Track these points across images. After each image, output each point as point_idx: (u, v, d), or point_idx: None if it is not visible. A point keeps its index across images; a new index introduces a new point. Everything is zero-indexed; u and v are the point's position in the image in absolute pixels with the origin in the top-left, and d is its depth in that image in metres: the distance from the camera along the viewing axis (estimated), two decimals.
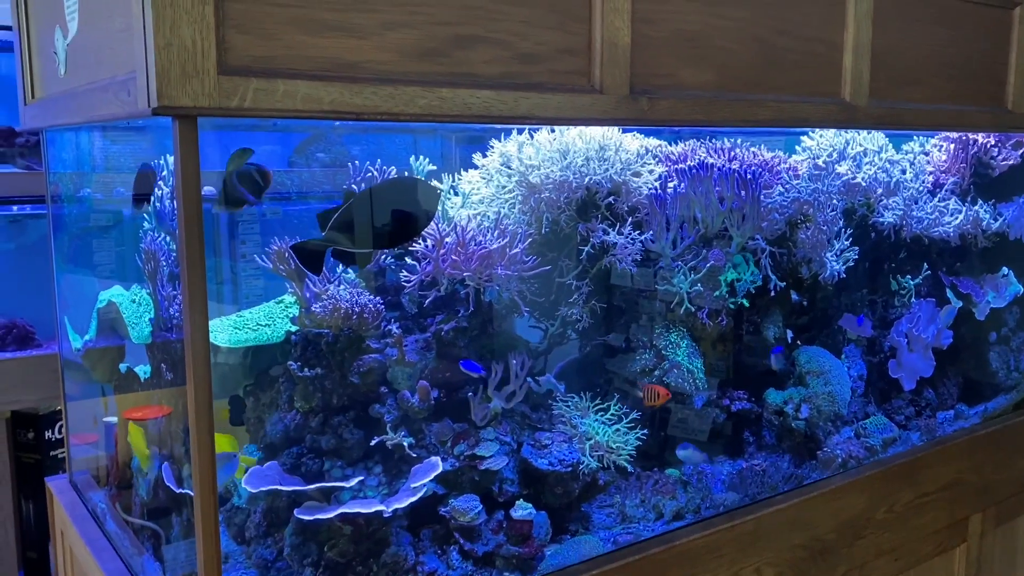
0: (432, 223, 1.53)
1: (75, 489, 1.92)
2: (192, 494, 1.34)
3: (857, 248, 2.04)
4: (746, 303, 1.82)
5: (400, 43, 1.23)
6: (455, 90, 1.28)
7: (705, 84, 1.60)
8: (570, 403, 1.67)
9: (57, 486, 1.95)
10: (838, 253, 2.00)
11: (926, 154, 2.36)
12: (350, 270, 1.59)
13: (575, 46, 1.43)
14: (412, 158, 1.70)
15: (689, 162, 1.79)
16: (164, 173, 1.42)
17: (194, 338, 1.12)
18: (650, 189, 1.71)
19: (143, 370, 1.50)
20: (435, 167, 1.75)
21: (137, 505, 1.52)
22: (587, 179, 1.62)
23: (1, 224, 2.97)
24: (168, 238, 1.41)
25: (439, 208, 1.60)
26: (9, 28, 3.07)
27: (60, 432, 2.82)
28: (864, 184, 2.06)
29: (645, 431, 1.69)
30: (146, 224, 1.45)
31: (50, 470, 2.80)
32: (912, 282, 2.19)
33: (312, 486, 1.38)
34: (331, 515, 1.35)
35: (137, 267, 1.46)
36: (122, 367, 1.60)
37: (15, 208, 2.88)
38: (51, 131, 1.84)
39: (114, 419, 1.68)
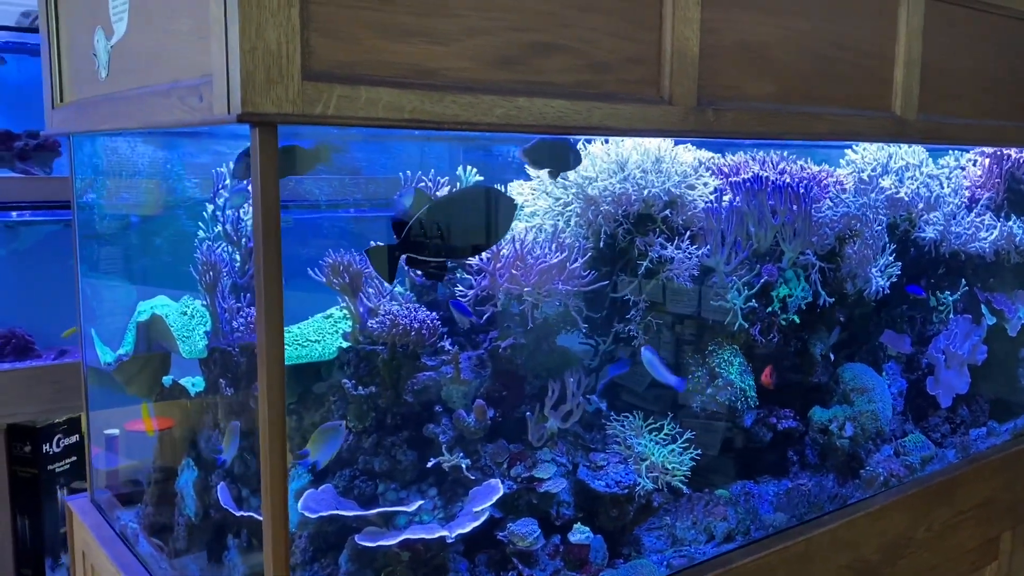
0: None
1: (98, 508, 1.84)
2: (255, 516, 1.28)
3: (900, 263, 2.01)
4: (797, 319, 1.78)
5: (479, 50, 1.18)
6: (531, 99, 1.23)
7: (766, 96, 1.57)
8: (624, 423, 1.62)
9: (78, 505, 1.87)
10: (882, 268, 1.97)
11: (962, 168, 2.34)
12: (399, 285, 1.53)
13: (644, 55, 1.39)
14: (460, 168, 1.65)
15: (743, 175, 1.75)
16: (226, 181, 1.35)
17: (269, 353, 1.05)
18: (706, 203, 1.67)
19: (192, 383, 1.43)
20: (482, 177, 1.70)
21: (181, 526, 1.44)
22: (645, 192, 1.57)
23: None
24: (231, 248, 1.34)
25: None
26: (13, 29, 2.98)
27: (58, 446, 2.73)
28: (907, 199, 2.04)
29: (699, 452, 1.64)
30: (201, 234, 1.38)
31: (47, 484, 2.71)
32: (951, 298, 2.17)
33: (373, 511, 1.32)
34: (394, 541, 1.29)
35: (187, 278, 1.39)
36: (166, 380, 1.52)
37: (14, 215, 2.80)
38: (79, 136, 1.77)
39: (148, 434, 1.61)
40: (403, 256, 1.27)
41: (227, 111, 1.00)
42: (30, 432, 2.64)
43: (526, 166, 1.54)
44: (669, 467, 1.60)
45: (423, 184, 1.52)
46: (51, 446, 2.70)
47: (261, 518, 1.26)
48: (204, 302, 1.40)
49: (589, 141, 1.64)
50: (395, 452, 1.45)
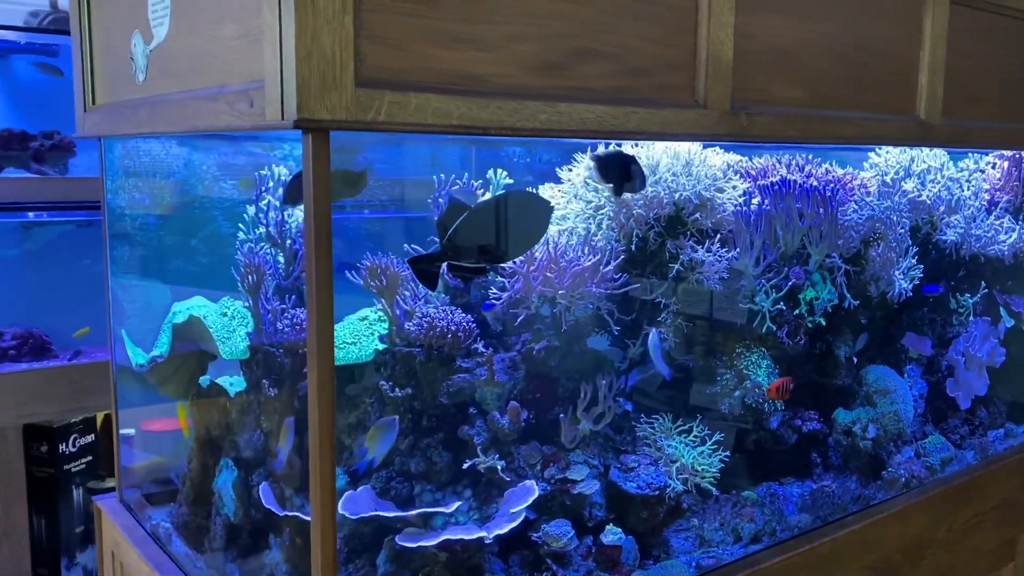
0: None
1: (127, 508, 1.85)
2: (300, 516, 1.29)
3: (922, 266, 2.02)
4: (823, 321, 1.79)
5: (523, 56, 1.19)
6: (573, 105, 1.24)
7: (796, 100, 1.58)
8: (654, 425, 1.63)
9: (107, 505, 1.88)
10: (905, 271, 1.98)
11: (981, 171, 2.35)
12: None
13: (680, 60, 1.40)
14: (490, 171, 1.66)
15: (771, 178, 1.76)
16: (270, 184, 1.36)
17: (320, 354, 1.06)
18: (735, 206, 1.68)
19: (231, 384, 1.44)
20: (512, 180, 1.71)
21: (218, 526, 1.45)
22: (676, 195, 1.59)
23: (13, 230, 2.89)
24: (275, 250, 1.35)
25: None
26: (21, 29, 2.99)
27: (74, 446, 2.74)
28: (928, 202, 2.05)
29: (727, 454, 1.66)
30: (241, 235, 1.39)
31: (63, 484, 2.72)
32: (971, 300, 2.19)
33: (413, 512, 1.33)
34: (434, 542, 1.31)
35: (225, 279, 1.40)
36: (203, 381, 1.53)
37: (31, 215, 2.80)
38: (109, 138, 1.78)
39: (184, 434, 1.62)
40: (445, 264, 1.28)
41: (281, 117, 1.01)
42: (46, 432, 2.64)
43: (589, 173, 1.55)
44: (699, 468, 1.61)
45: (456, 187, 1.53)
46: (67, 446, 2.71)
47: (305, 518, 1.27)
48: (246, 303, 1.41)
49: (620, 144, 1.65)
50: (431, 453, 1.46)
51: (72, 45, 1.72)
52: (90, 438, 2.82)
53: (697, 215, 1.62)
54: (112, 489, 2.63)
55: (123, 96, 1.55)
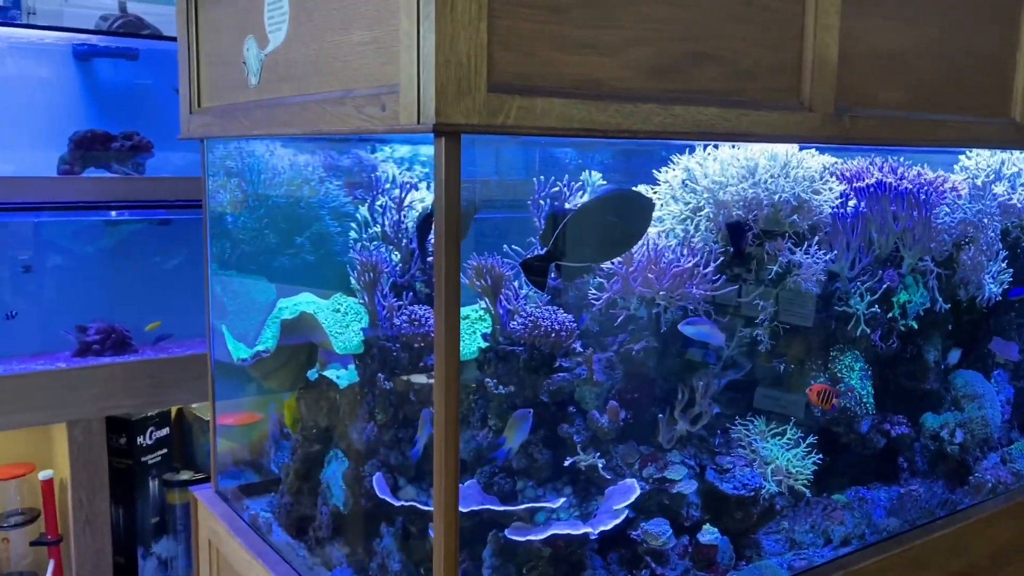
0: None
1: (224, 499, 1.90)
2: (417, 506, 1.32)
3: (1011, 270, 2.00)
4: (915, 325, 1.78)
5: (639, 60, 1.21)
6: (687, 107, 1.26)
7: (896, 103, 1.58)
8: (749, 427, 1.64)
9: (203, 495, 1.94)
10: (994, 275, 1.96)
11: None
12: (530, 287, 1.56)
13: (786, 64, 1.41)
14: (585, 172, 1.68)
15: (866, 180, 1.76)
16: (387, 186, 1.40)
17: (447, 352, 1.10)
18: (832, 208, 1.68)
19: (338, 376, 1.48)
20: (605, 182, 1.73)
21: (325, 516, 1.49)
22: (775, 196, 1.59)
23: (97, 228, 2.97)
24: (391, 249, 1.39)
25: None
26: (92, 32, 3.07)
27: (151, 438, 2.81)
28: (1019, 205, 2.03)
29: (820, 456, 1.66)
30: (353, 234, 1.43)
31: (140, 476, 2.79)
32: None
33: (521, 507, 1.36)
34: (541, 537, 1.33)
35: (335, 276, 1.44)
36: (311, 375, 1.57)
37: (113, 213, 2.88)
38: (212, 139, 1.83)
39: (289, 427, 1.66)
40: (552, 265, 1.30)
41: (417, 121, 1.04)
42: (126, 425, 2.72)
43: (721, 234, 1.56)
44: (793, 470, 1.61)
45: (556, 189, 1.55)
46: (145, 438, 2.78)
47: (421, 507, 1.30)
48: (360, 300, 1.45)
49: (716, 146, 1.67)
50: (532, 450, 1.48)
51: (179, 50, 1.77)
52: (165, 431, 2.89)
53: (795, 217, 1.62)
54: (188, 482, 2.70)
55: (233, 99, 1.60)
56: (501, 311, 1.48)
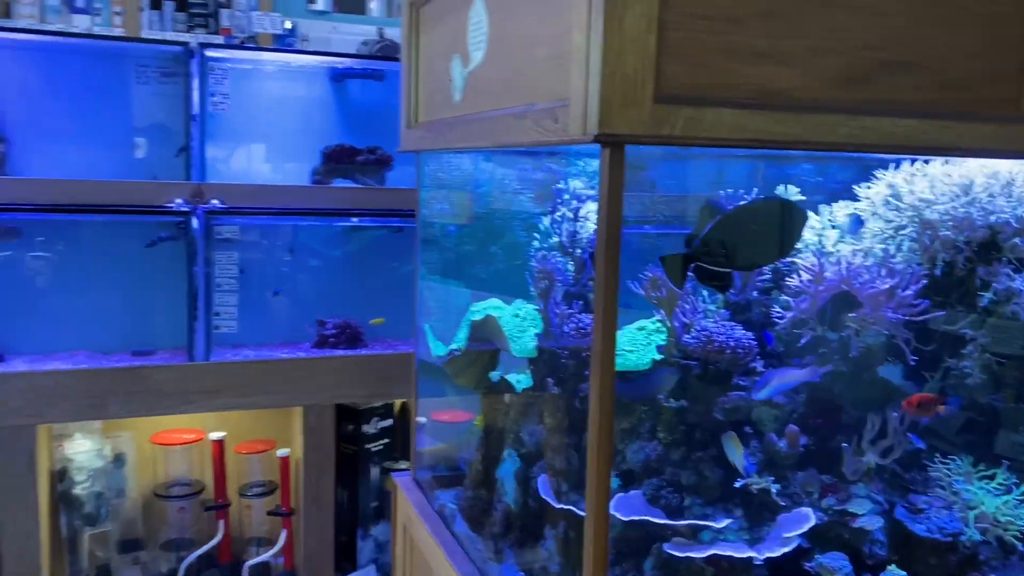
0: (813, 257, 1.45)
1: (419, 487, 2.04)
2: (574, 510, 1.36)
3: None
4: None
5: (824, 69, 1.17)
6: (878, 119, 1.20)
7: None
8: (951, 466, 1.51)
9: (403, 482, 2.09)
10: None
11: None
12: (713, 300, 1.54)
13: (1003, 71, 1.29)
14: (781, 186, 1.63)
15: None
16: (565, 197, 1.46)
17: (603, 360, 1.12)
18: None
19: (518, 380, 1.55)
20: (804, 197, 1.67)
21: (499, 512, 1.57)
22: (992, 217, 1.46)
23: (339, 233, 3.26)
24: (566, 259, 1.45)
25: (815, 238, 1.52)
26: (355, 56, 3.39)
27: (375, 427, 3.04)
28: None
29: None
30: (536, 244, 1.50)
31: (363, 462, 3.02)
32: None
33: (683, 522, 1.35)
34: (702, 555, 1.31)
35: (519, 283, 1.52)
36: (493, 376, 1.67)
37: (355, 220, 3.16)
38: (425, 153, 1.98)
39: (471, 422, 1.76)
40: (692, 265, 1.28)
41: (583, 132, 1.08)
42: (353, 413, 2.97)
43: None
44: (1002, 519, 1.46)
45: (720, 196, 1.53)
46: (369, 427, 3.02)
47: (579, 512, 1.33)
48: (537, 306, 1.51)
49: (927, 162, 1.55)
50: (702, 468, 1.46)
51: (401, 70, 1.94)
52: (388, 422, 3.12)
53: (1016, 240, 1.47)
54: (406, 469, 2.89)
55: (441, 114, 1.73)
56: (677, 324, 1.48)
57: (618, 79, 1.05)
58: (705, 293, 1.53)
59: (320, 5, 5.73)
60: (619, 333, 1.60)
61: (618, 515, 1.36)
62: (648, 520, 1.35)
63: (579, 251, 1.47)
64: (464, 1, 1.55)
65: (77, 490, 2.62)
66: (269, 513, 2.88)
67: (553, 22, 1.20)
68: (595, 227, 1.40)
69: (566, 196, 1.47)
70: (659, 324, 1.52)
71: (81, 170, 2.76)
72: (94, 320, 2.68)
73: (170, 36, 5.02)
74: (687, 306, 1.47)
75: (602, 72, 1.05)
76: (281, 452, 2.80)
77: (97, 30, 4.90)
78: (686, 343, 1.45)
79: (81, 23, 4.91)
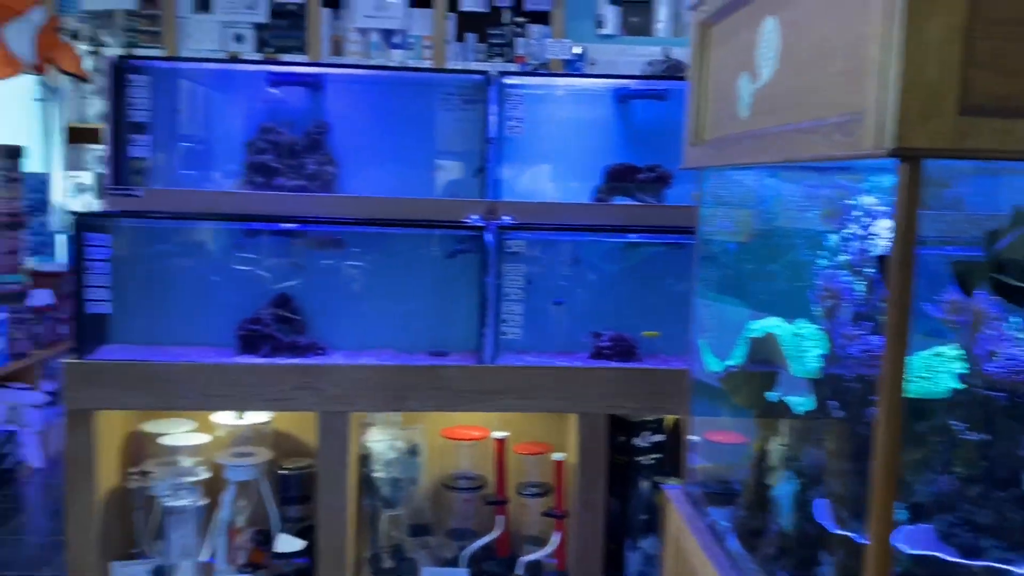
0: None
1: (691, 501, 2.05)
2: (851, 537, 1.31)
3: None
4: None
5: None
6: None
7: None
8: None
9: (674, 495, 2.11)
10: None
11: None
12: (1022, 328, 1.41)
13: None
14: None
15: None
16: (856, 214, 1.42)
17: (891, 385, 1.08)
18: None
19: (798, 402, 1.53)
20: None
21: (773, 533, 1.54)
22: None
23: (618, 249, 3.34)
24: (856, 277, 1.41)
25: None
26: (640, 77, 3.47)
27: (647, 441, 3.07)
28: None
29: None
30: (822, 261, 1.47)
31: (634, 474, 3.04)
32: None
33: (980, 562, 1.25)
34: None
35: (801, 302, 1.49)
36: (771, 396, 1.65)
37: (633, 236, 3.22)
38: (707, 170, 2.00)
39: (740, 447, 1.75)
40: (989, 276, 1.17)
41: (877, 146, 1.06)
42: (626, 425, 3.02)
43: None
44: None
45: None
46: (640, 440, 3.06)
47: (858, 540, 1.29)
48: (820, 326, 1.48)
49: None
50: (1004, 508, 1.34)
51: (688, 88, 1.98)
52: (660, 437, 3.13)
53: None
54: (676, 485, 2.89)
55: (726, 131, 1.75)
56: (981, 352, 1.37)
57: (918, 90, 1.02)
58: (1015, 320, 1.40)
59: (608, 29, 5.92)
60: (913, 358, 1.52)
61: (900, 547, 1.29)
62: (939, 557, 1.27)
63: (870, 270, 1.41)
64: (755, 18, 1.56)
65: (377, 475, 2.93)
66: (543, 514, 3.01)
67: (847, 34, 1.18)
68: (888, 245, 1.34)
69: (857, 213, 1.43)
70: (959, 350, 1.41)
71: (393, 188, 3.10)
72: (398, 322, 2.99)
73: (472, 66, 5.47)
74: (992, 332, 1.35)
75: (901, 83, 1.02)
76: (557, 456, 2.92)
77: (410, 63, 5.46)
78: (988, 372, 1.34)
79: (397, 57, 5.50)
